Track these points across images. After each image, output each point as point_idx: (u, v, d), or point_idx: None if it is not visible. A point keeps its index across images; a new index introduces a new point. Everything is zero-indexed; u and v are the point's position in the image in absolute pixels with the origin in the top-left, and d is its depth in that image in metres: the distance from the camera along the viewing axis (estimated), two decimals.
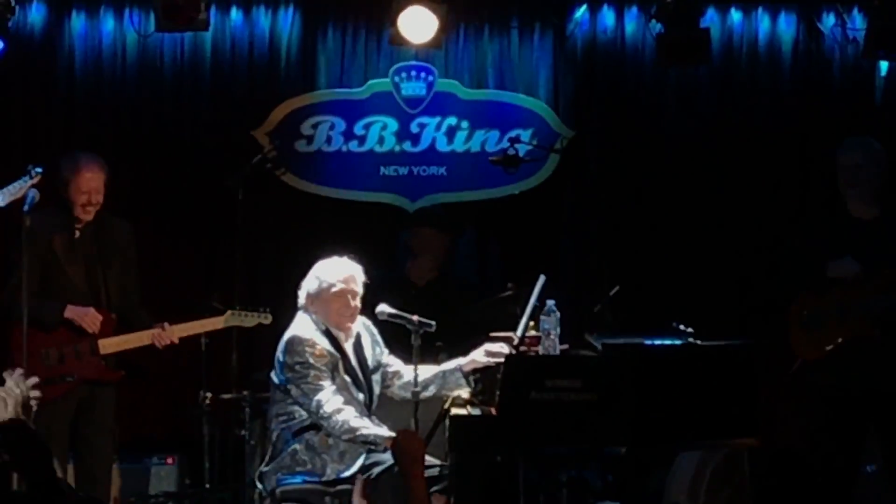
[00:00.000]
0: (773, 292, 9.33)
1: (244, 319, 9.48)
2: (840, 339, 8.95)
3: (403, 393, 8.69)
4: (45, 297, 9.00)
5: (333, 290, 8.47)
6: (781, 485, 9.60)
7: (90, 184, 8.98)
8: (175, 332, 9.24)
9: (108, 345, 9.05)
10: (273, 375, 8.54)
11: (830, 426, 8.97)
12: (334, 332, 8.48)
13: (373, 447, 8.22)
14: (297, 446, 8.33)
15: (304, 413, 8.38)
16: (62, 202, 9.02)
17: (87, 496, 4.77)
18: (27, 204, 8.42)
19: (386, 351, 8.74)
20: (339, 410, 8.28)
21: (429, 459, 8.34)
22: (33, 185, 8.52)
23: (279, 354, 8.47)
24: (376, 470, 8.16)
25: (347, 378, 8.49)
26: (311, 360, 8.35)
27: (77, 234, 9.07)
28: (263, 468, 8.51)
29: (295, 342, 8.38)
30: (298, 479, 8.30)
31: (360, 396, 8.52)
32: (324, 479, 8.26)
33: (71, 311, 8.99)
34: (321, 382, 8.35)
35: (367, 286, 8.61)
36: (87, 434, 9.04)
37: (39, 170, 8.55)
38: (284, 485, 8.28)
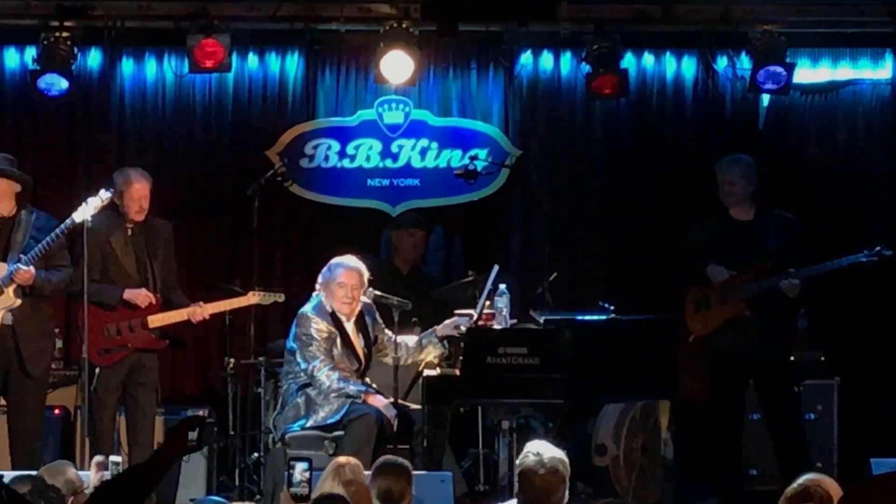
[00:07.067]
0: (676, 280, 9.51)
1: (263, 298, 9.30)
2: (721, 319, 9.17)
3: (388, 360, 8.73)
4: (105, 283, 9.00)
5: (338, 281, 8.54)
6: (686, 429, 9.72)
7: (140, 192, 8.97)
8: (208, 310, 9.15)
9: (155, 320, 8.99)
10: (287, 341, 8.65)
11: (720, 383, 9.24)
12: (338, 313, 8.54)
13: (355, 399, 8.38)
14: (298, 399, 8.47)
15: None
16: (116, 207, 8.97)
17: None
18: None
19: (383, 327, 8.79)
20: (327, 375, 8.41)
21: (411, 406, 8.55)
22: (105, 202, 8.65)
23: (293, 325, 8.56)
24: (352, 415, 8.33)
25: (344, 350, 8.56)
26: (314, 335, 8.44)
27: (129, 232, 9.04)
28: (275, 415, 8.68)
29: (304, 318, 8.49)
30: (297, 427, 8.41)
31: (354, 365, 8.59)
32: (318, 424, 8.37)
33: (128, 293, 8.95)
34: (318, 353, 8.44)
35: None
36: (135, 392, 9.00)
37: (110, 193, 8.71)
38: (290, 431, 8.42)
